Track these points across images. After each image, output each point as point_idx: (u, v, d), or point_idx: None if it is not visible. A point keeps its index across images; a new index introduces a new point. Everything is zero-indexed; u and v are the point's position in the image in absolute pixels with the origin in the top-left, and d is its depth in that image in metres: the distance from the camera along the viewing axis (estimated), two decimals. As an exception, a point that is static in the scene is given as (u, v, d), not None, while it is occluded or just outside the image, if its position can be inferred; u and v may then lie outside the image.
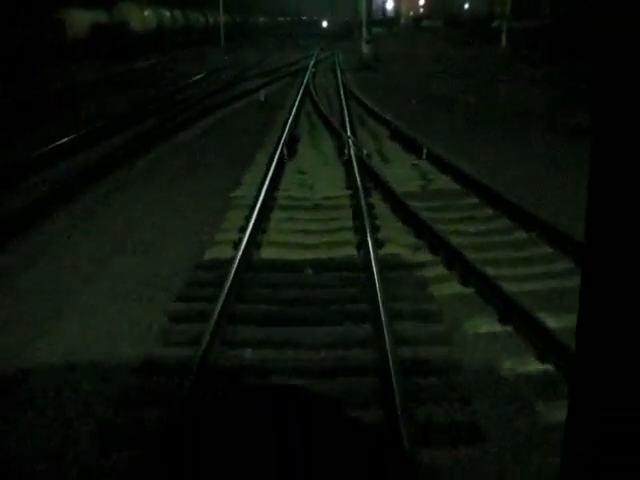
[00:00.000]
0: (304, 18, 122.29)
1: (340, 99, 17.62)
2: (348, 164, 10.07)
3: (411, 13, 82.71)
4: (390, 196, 8.25)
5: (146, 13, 41.61)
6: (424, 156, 10.68)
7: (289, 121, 13.58)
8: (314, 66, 29.46)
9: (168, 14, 46.39)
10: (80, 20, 39.24)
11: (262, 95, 17.73)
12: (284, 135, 11.72)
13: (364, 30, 33.79)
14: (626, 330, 1.20)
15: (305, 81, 22.26)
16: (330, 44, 51.02)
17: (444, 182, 9.24)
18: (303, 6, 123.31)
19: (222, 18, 47.18)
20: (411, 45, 43.68)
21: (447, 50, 37.58)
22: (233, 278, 5.49)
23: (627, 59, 1.14)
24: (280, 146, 10.68)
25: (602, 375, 1.28)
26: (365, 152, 10.57)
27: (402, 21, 72.39)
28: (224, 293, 5.16)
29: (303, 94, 18.94)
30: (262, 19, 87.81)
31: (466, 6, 68.17)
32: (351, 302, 5.37)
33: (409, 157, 10.92)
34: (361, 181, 8.65)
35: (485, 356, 4.54)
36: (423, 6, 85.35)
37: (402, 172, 9.83)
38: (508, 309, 5.03)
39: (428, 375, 4.29)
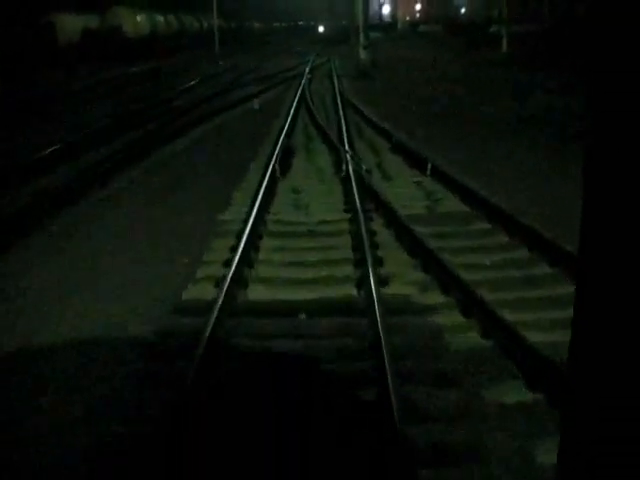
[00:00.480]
0: (300, 23, 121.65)
1: (337, 107, 16.82)
2: (346, 181, 9.26)
3: (407, 18, 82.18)
4: (393, 220, 7.44)
5: (139, 18, 40.86)
6: (428, 172, 9.88)
7: (283, 132, 12.76)
8: (310, 72, 28.67)
9: (162, 19, 45.63)
10: (71, 25, 38.46)
11: (256, 104, 16.93)
12: (277, 149, 10.89)
13: (361, 35, 33.05)
14: (621, 332, 1.21)
15: (301, 88, 21.47)
16: (326, 49, 50.29)
17: (452, 203, 8.42)
18: (299, 11, 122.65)
19: (216, 23, 46.36)
20: (409, 50, 42.96)
21: (446, 55, 36.83)
22: (213, 326, 4.69)
23: (621, 60, 1.16)
24: (272, 163, 9.87)
25: (597, 376, 1.27)
26: (364, 168, 9.77)
27: (399, 26, 71.72)
28: (200, 350, 4.35)
29: (299, 102, 18.14)
30: (257, 25, 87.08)
31: (462, 10, 67.65)
32: (351, 359, 4.55)
33: (412, 173, 10.12)
34: (361, 202, 7.85)
35: (511, 435, 3.72)
36: (420, 11, 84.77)
37: (405, 191, 9.02)
38: (536, 371, 4.21)
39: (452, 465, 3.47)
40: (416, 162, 10.52)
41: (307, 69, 29.87)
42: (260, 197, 7.97)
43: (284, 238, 7.15)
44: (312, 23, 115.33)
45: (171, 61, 37.59)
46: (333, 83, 23.50)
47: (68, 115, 16.74)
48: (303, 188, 9.29)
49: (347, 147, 11.17)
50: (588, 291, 1.27)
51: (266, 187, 8.57)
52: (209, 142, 13.11)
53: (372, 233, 7.10)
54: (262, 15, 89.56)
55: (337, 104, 17.47)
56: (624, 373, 1.22)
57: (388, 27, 70.66)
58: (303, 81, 24.09)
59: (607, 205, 1.19)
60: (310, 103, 17.72)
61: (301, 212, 8.10)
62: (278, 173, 9.70)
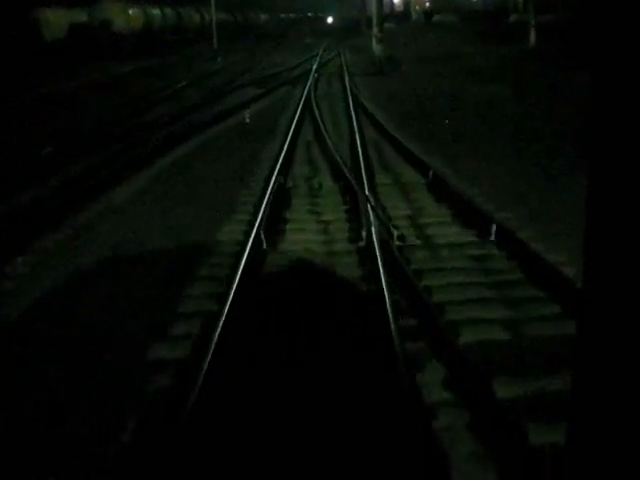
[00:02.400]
0: (309, 15, 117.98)
1: (350, 119, 13.42)
2: (367, 259, 5.91)
3: (417, 7, 78.23)
4: (459, 366, 4.09)
5: (131, 11, 37.51)
6: (492, 236, 6.50)
7: (278, 163, 9.36)
8: (317, 70, 25.21)
9: (158, 12, 42.27)
10: (57, 20, 35.23)
11: (247, 116, 13.54)
12: (265, 200, 7.48)
13: (374, 27, 29.57)
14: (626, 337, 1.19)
15: (306, 91, 18.06)
16: (336, 42, 46.73)
17: (544, 307, 5.01)
18: (308, 2, 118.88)
19: (214, 16, 42.92)
20: (426, 43, 39.35)
21: (467, 48, 33.20)
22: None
23: (626, 61, 1.12)
24: (255, 228, 6.48)
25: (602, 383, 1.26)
26: (396, 233, 6.39)
27: (413, 16, 67.98)
28: None
29: (302, 111, 14.76)
30: (264, 16, 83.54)
31: (475, -1, 63.87)
32: None
33: (465, 235, 6.73)
34: (394, 310, 4.53)
35: None
36: (430, 0, 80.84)
37: (462, 278, 5.62)
38: None
39: None
40: (468, 212, 7.16)
41: (314, 66, 26.42)
42: (224, 320, 4.55)
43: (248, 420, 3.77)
44: (321, 14, 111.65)
45: (166, 58, 34.21)
46: (344, 84, 20.02)
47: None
48: (300, 275, 5.91)
49: (367, 191, 7.79)
50: (590, 312, 1.27)
51: (240, 285, 5.19)
52: (170, 185, 9.21)
53: (420, 389, 3.76)
54: (269, 6, 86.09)
55: (350, 114, 14.07)
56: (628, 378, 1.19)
57: (401, 17, 66.93)
58: (309, 82, 20.68)
59: (611, 206, 1.18)
60: (316, 113, 14.31)
61: (292, 346, 4.68)
62: (265, 244, 6.33)
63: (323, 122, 13.17)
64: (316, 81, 21.83)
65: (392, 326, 4.40)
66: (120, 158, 10.39)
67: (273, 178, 8.37)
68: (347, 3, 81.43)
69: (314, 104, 15.71)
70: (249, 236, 6.25)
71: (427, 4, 75.82)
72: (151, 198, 8.51)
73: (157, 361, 4.30)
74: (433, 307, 4.87)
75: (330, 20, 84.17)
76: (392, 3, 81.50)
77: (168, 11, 44.01)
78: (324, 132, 11.91)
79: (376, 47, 28.51)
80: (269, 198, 7.46)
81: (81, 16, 35.88)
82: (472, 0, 65.28)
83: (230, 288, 4.97)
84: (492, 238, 6.47)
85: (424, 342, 4.43)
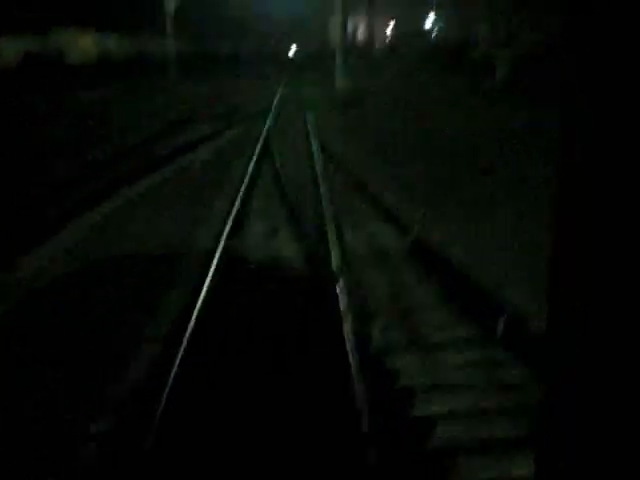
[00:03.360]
0: (270, 46, 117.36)
1: (313, 168, 12.00)
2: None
3: (378, 45, 77.96)
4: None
5: (83, 42, 35.87)
6: (499, 332, 5.07)
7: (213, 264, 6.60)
8: (277, 108, 23.82)
9: (113, 43, 40.70)
10: (8, 48, 33.49)
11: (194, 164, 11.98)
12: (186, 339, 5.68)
13: (338, 60, 28.42)
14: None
15: (266, 127, 16.66)
16: (298, 75, 45.66)
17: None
18: (268, 34, 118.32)
19: (172, 46, 41.51)
20: (389, 76, 38.43)
21: (430, 81, 32.25)
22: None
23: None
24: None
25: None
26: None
27: (376, 49, 67.42)
28: None
29: (257, 164, 13.28)
30: (225, 49, 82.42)
31: (434, 34, 63.52)
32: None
33: (466, 330, 5.28)
34: None
35: None
36: (392, 35, 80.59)
37: (473, 401, 4.16)
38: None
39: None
40: (467, 297, 5.74)
41: (275, 101, 25.10)
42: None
43: None
44: (283, 47, 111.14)
45: (112, 91, 32.56)
46: (306, 126, 18.62)
47: None
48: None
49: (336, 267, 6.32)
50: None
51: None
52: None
53: None
54: (230, 38, 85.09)
55: (312, 159, 12.67)
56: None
57: (363, 52, 66.36)
58: (269, 118, 19.31)
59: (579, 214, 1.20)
60: (276, 160, 12.87)
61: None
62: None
63: (284, 170, 11.71)
64: (275, 119, 20.45)
65: None
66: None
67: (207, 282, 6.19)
68: (310, 36, 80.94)
69: (274, 149, 14.30)
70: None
71: (387, 40, 75.71)
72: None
73: None
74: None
75: (291, 54, 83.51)
76: (354, 37, 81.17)
77: (125, 42, 42.49)
78: (285, 186, 10.44)
79: (340, 81, 27.34)
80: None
81: (34, 45, 34.16)
82: (430, 36, 64.91)
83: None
84: (498, 334, 5.04)
85: None
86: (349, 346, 4.65)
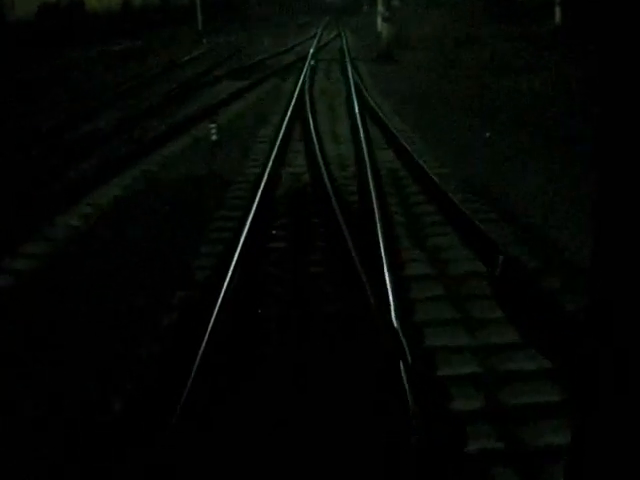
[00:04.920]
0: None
1: (358, 134, 9.72)
2: None
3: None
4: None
5: (106, -12, 33.49)
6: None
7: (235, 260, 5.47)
8: (314, 56, 21.34)
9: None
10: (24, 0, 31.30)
11: (213, 132, 9.77)
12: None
13: (379, 5, 25.69)
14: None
15: (299, 88, 14.32)
16: (336, 21, 42.67)
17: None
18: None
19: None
20: (436, 23, 35.35)
21: (483, 29, 29.24)
22: None
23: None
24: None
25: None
26: None
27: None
28: None
29: (291, 120, 11.03)
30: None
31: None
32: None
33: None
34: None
35: None
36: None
37: None
38: None
39: None
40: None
41: (311, 50, 22.60)
42: None
43: None
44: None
45: (144, 41, 30.33)
46: (347, 74, 16.22)
47: None
48: None
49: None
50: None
51: None
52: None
53: None
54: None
55: (356, 121, 10.39)
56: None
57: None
58: (304, 72, 16.94)
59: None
60: (311, 123, 10.59)
61: None
62: None
63: (322, 135, 9.47)
64: (312, 71, 18.05)
65: None
66: None
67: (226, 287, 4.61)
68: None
69: (308, 106, 12.01)
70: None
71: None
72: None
73: None
74: None
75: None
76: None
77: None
78: (320, 160, 8.17)
79: (382, 27, 24.64)
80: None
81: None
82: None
83: None
84: None
85: None
86: None
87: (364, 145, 8.55)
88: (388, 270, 4.81)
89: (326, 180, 7.07)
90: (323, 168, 7.50)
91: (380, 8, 25.42)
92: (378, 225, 5.54)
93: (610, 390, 1.20)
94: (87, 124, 11.39)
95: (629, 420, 1.16)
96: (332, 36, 30.88)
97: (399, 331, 4.00)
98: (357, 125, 10.00)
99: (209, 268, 5.35)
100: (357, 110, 11.09)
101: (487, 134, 10.33)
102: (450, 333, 4.29)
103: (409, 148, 8.45)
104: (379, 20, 25.60)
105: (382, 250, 5.19)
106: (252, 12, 50.61)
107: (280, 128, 10.07)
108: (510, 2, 42.64)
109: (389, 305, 4.28)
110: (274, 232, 6.34)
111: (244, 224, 5.80)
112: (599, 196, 1.21)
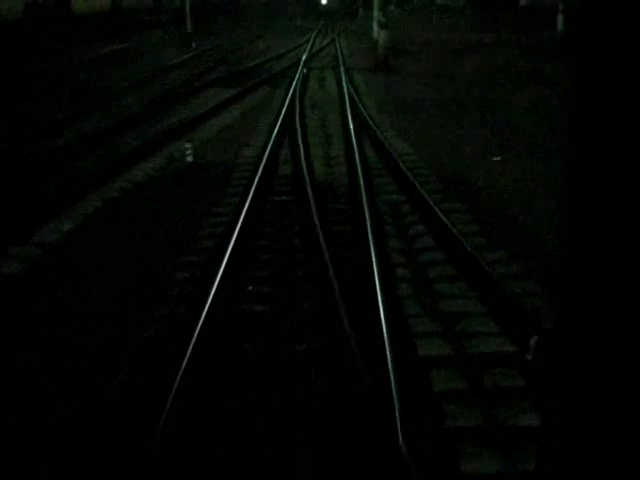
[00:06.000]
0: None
1: (352, 152, 8.58)
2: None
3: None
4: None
5: (93, -12, 32.27)
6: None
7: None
8: (306, 64, 20.18)
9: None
10: (8, -2, 30.02)
11: (189, 152, 8.58)
12: None
13: (376, 10, 24.53)
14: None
15: (289, 100, 13.14)
16: (330, 25, 41.51)
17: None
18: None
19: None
20: (434, 29, 34.26)
21: (485, 37, 28.14)
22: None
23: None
24: None
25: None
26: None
27: (415, -2, 62.56)
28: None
29: (278, 138, 9.87)
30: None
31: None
32: None
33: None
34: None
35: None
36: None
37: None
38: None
39: None
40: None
41: (303, 57, 21.45)
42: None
43: None
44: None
45: (130, 44, 29.13)
46: (341, 87, 15.04)
47: None
48: None
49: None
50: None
51: None
52: None
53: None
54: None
55: (350, 138, 9.24)
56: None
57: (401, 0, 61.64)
58: (295, 80, 15.79)
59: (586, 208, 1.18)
60: (299, 137, 9.43)
61: None
62: None
63: (313, 154, 8.30)
64: (304, 80, 16.90)
65: None
66: None
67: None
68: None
69: (297, 120, 10.85)
70: None
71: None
72: None
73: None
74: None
75: (324, 0, 78.48)
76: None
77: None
78: (309, 188, 7.00)
79: (379, 34, 23.49)
80: None
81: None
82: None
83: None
84: None
85: None
86: None
87: (360, 176, 7.37)
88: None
89: (316, 223, 5.88)
90: (314, 208, 6.29)
91: (376, 13, 24.27)
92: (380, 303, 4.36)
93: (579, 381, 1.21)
94: (49, 140, 10.17)
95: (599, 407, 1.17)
96: (326, 42, 29.72)
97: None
98: (353, 148, 8.83)
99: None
100: (352, 129, 9.93)
101: (496, 157, 9.22)
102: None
103: (416, 183, 7.26)
104: (375, 26, 24.46)
105: (383, 324, 4.07)
106: (245, 15, 49.41)
107: (265, 150, 8.89)
108: (513, 8, 41.73)
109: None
110: (250, 288, 5.20)
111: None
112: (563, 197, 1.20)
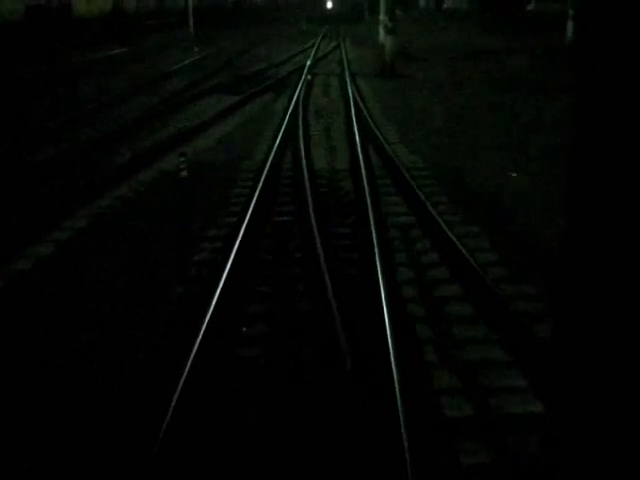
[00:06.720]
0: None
1: (358, 168, 8.03)
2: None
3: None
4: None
5: (95, -8, 31.80)
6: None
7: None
8: (310, 69, 19.62)
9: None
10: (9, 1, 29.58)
11: (183, 167, 8.03)
12: None
13: (382, 14, 23.98)
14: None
15: (292, 107, 12.59)
16: (336, 30, 40.98)
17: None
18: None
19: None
20: (441, 34, 33.69)
21: (494, 42, 27.56)
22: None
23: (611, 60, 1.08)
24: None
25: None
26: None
27: (421, 3, 62.09)
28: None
29: (280, 150, 9.31)
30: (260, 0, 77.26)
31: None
32: None
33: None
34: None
35: None
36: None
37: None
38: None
39: None
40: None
41: (308, 62, 20.91)
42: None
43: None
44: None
45: (130, 49, 28.67)
46: (347, 94, 14.46)
47: None
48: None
49: None
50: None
51: None
52: None
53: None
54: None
55: (356, 151, 8.68)
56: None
57: (406, 3, 61.19)
58: (300, 87, 15.25)
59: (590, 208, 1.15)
60: (303, 158, 8.87)
61: None
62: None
63: (318, 169, 7.76)
64: (308, 86, 16.36)
65: None
66: None
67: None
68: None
69: (301, 131, 10.30)
70: None
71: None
72: None
73: None
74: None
75: (329, 5, 78.17)
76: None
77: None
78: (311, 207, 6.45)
79: (385, 38, 22.93)
80: None
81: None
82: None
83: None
84: None
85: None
86: None
87: (367, 193, 6.80)
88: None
89: (319, 249, 5.32)
90: (316, 231, 5.73)
91: (383, 17, 23.73)
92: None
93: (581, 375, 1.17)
94: (36, 153, 9.60)
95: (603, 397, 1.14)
96: (331, 47, 29.18)
97: None
98: (359, 161, 8.27)
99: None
100: (359, 143, 9.36)
101: (513, 174, 8.65)
102: None
103: (427, 203, 6.69)
104: (381, 31, 23.91)
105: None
106: (250, 18, 48.94)
107: (266, 163, 8.34)
108: (523, 14, 41.20)
109: None
110: (244, 329, 4.64)
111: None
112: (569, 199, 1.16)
